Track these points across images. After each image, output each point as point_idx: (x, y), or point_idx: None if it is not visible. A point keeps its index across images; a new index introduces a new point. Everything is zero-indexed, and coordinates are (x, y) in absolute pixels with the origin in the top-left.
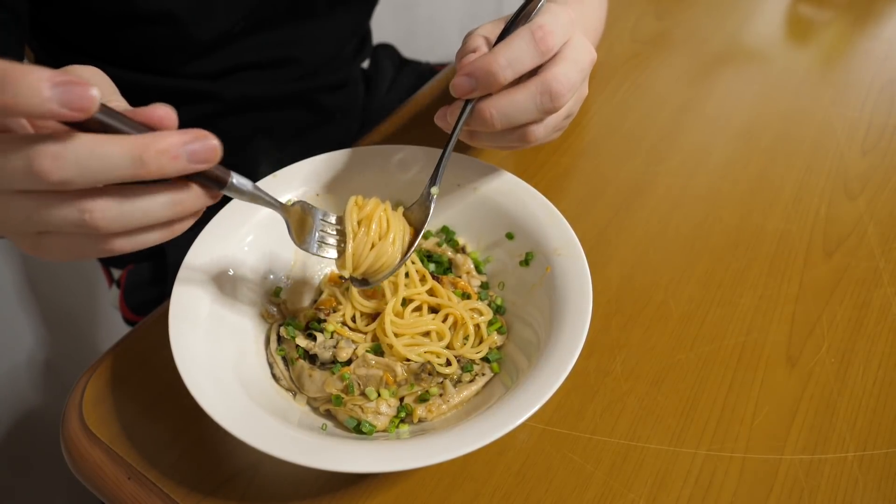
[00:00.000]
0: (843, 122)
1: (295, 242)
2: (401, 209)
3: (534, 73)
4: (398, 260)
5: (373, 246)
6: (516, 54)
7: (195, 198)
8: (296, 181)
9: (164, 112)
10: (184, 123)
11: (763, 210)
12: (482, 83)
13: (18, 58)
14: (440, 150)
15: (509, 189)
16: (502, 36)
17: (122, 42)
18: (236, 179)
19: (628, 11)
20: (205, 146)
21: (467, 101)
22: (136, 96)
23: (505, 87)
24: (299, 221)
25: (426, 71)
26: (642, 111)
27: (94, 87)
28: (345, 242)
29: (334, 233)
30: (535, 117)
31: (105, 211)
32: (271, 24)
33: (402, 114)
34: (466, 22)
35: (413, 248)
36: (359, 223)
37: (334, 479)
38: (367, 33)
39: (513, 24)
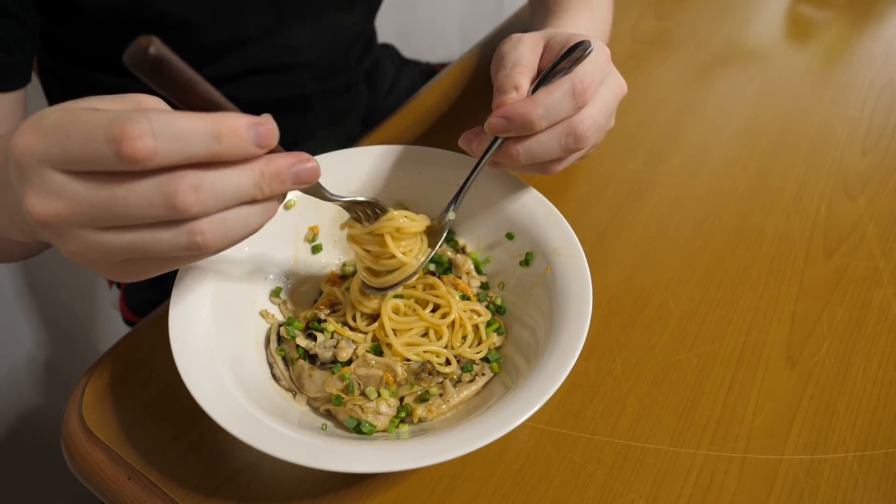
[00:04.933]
0: (843, 122)
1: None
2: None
3: None
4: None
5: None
6: (555, 106)
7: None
8: None
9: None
10: None
11: (763, 210)
12: (517, 128)
13: (28, 71)
14: (440, 150)
15: (509, 189)
16: (545, 74)
17: None
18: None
19: (628, 11)
20: (309, 169)
21: (496, 138)
22: None
23: None
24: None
25: (426, 71)
26: (642, 111)
27: (272, 122)
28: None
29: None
30: (559, 156)
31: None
32: (281, 27)
33: (402, 114)
34: (466, 22)
35: (420, 266)
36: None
37: (334, 479)
38: (372, 34)
39: (558, 63)
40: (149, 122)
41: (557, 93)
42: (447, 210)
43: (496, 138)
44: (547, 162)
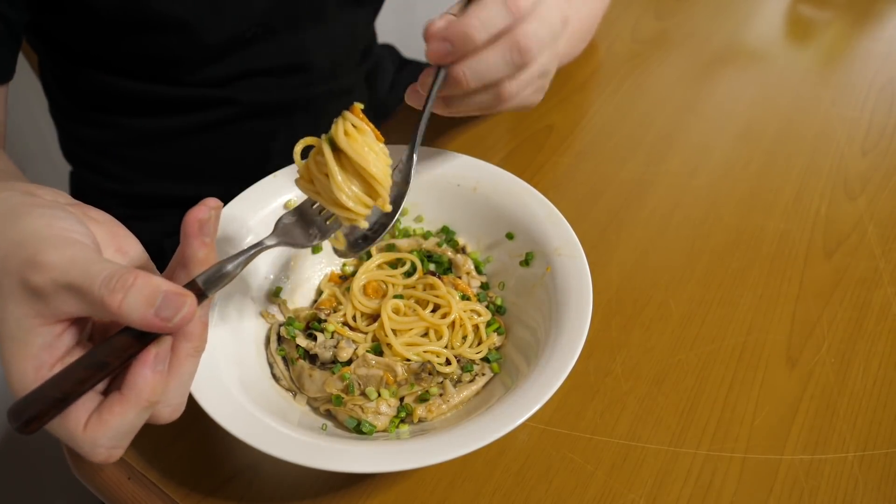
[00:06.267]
0: (843, 122)
1: (307, 246)
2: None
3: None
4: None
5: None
6: (489, 15)
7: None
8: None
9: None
10: (191, 129)
11: (763, 210)
12: (458, 46)
13: (10, 67)
14: (440, 150)
15: (509, 189)
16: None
17: (132, 51)
18: (204, 284)
19: (628, 11)
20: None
21: (439, 69)
22: (144, 106)
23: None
24: (294, 230)
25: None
26: (642, 111)
27: (190, 299)
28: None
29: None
30: (507, 73)
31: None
32: (282, 29)
33: (402, 114)
34: None
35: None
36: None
37: (334, 479)
38: (372, 35)
39: None
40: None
41: (489, 3)
42: (409, 156)
43: (438, 71)
44: (497, 85)
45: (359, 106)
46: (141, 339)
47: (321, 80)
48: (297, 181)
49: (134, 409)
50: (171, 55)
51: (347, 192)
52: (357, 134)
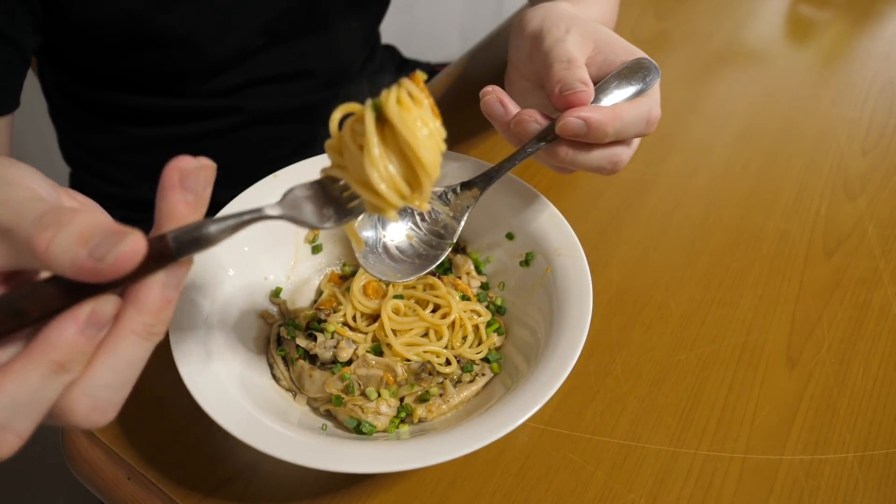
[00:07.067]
0: (843, 122)
1: (316, 227)
2: None
3: None
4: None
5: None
6: (628, 127)
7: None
8: (297, 181)
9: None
10: (194, 137)
11: (763, 210)
12: (590, 136)
13: (17, 95)
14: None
15: (509, 189)
16: (603, 85)
17: (137, 67)
18: (174, 242)
19: (628, 11)
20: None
21: (555, 135)
22: (148, 116)
23: None
24: (305, 205)
25: (426, 71)
26: None
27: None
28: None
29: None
30: (594, 169)
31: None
32: (286, 39)
33: None
34: (466, 22)
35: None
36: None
37: (334, 479)
38: (376, 39)
39: (623, 76)
40: None
41: (636, 113)
42: (480, 192)
43: (552, 136)
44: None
45: (421, 75)
46: (75, 292)
47: (325, 86)
48: (326, 145)
49: (38, 370)
50: (176, 70)
51: (381, 170)
52: (413, 105)
